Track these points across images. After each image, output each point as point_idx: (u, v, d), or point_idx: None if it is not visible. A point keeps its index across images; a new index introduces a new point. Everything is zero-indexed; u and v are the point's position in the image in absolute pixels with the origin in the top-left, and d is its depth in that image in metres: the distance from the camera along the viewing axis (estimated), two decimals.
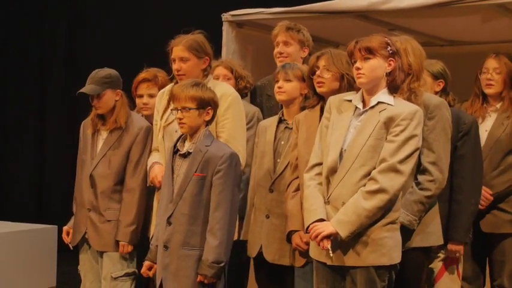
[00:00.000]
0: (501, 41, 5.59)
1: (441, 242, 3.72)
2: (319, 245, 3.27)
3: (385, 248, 3.27)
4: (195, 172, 3.55)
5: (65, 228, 4.50)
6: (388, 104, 3.32)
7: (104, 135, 4.36)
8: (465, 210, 3.94)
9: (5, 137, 8.82)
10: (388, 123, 3.27)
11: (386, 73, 3.33)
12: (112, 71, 4.33)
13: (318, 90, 3.74)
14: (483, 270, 4.46)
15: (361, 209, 3.21)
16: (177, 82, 4.00)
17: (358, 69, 3.33)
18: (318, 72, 3.73)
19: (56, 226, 6.54)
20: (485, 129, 4.29)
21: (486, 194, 4.16)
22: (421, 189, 3.53)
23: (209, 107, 3.58)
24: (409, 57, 3.63)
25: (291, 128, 3.92)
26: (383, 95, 3.34)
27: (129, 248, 4.25)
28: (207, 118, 3.60)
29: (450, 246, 3.96)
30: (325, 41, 5.77)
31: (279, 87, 3.94)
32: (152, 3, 7.78)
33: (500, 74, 4.35)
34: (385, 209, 3.26)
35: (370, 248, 3.26)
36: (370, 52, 3.30)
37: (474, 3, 4.53)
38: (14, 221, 6.98)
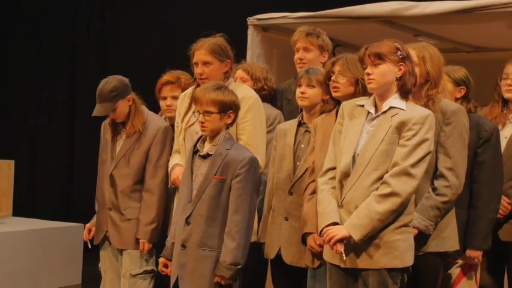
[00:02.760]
0: None
1: (457, 247, 3.72)
2: (332, 248, 3.31)
3: (398, 251, 3.29)
4: (215, 175, 3.58)
5: (87, 226, 4.58)
6: (400, 108, 3.34)
7: (123, 136, 4.41)
8: (484, 217, 3.93)
9: (36, 137, 8.97)
10: (400, 127, 3.30)
11: (396, 78, 3.36)
12: (116, 81, 4.32)
13: (334, 95, 3.78)
14: (501, 280, 4.42)
15: (374, 212, 3.24)
16: (198, 85, 4.03)
17: (368, 74, 3.36)
18: (333, 78, 3.77)
19: (83, 224, 6.59)
20: (504, 136, 4.24)
21: (504, 203, 4.15)
22: (437, 194, 3.55)
23: (230, 111, 3.61)
24: (427, 64, 3.65)
25: (310, 132, 3.96)
26: (395, 100, 3.37)
27: (149, 246, 4.31)
28: (229, 121, 3.63)
29: (468, 253, 3.96)
30: (350, 45, 5.79)
31: (302, 93, 3.97)
32: (180, 6, 7.86)
33: None
34: (398, 213, 3.28)
35: (383, 251, 3.28)
36: (379, 58, 3.34)
37: (499, 10, 4.54)
38: (42, 219, 7.11)
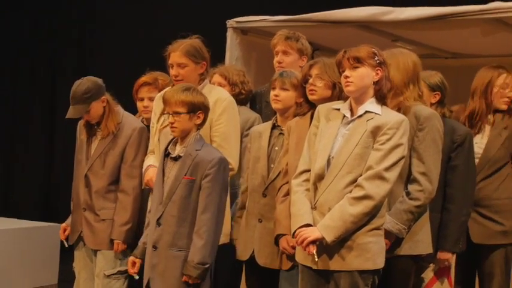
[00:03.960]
0: (503, 55, 5.62)
1: (430, 250, 3.76)
2: (305, 250, 3.34)
3: (370, 253, 3.33)
4: (185, 175, 3.62)
5: (62, 225, 4.59)
6: (375, 113, 3.39)
7: (98, 137, 4.42)
8: (455, 220, 3.97)
9: (13, 136, 8.94)
10: (375, 132, 3.34)
11: (374, 82, 3.40)
12: (90, 83, 4.31)
13: (310, 98, 3.81)
14: (472, 281, 4.47)
15: (347, 214, 3.28)
16: (172, 86, 4.05)
17: (346, 77, 3.41)
18: (310, 81, 3.80)
19: (59, 224, 6.60)
20: (474, 141, 4.24)
21: None
22: (411, 198, 3.59)
23: (199, 111, 3.65)
24: (390, 72, 3.67)
25: (285, 134, 3.99)
26: (370, 105, 3.41)
27: (123, 247, 4.32)
28: (198, 122, 3.66)
29: (439, 255, 3.99)
30: (328, 49, 5.82)
31: (276, 96, 4.00)
32: (160, 7, 7.87)
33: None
34: (371, 215, 3.32)
35: (355, 253, 3.32)
36: (358, 61, 3.38)
37: (472, 17, 4.60)
38: (19, 219, 7.09)
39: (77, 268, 4.51)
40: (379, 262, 3.37)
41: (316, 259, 3.33)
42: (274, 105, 4.03)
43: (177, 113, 3.62)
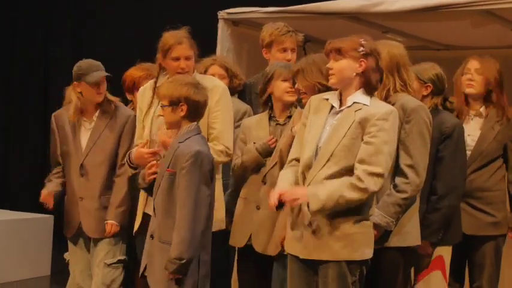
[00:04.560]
0: (494, 47, 5.63)
1: (418, 242, 3.77)
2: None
3: (357, 244, 3.35)
4: (167, 168, 3.62)
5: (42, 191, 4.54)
6: (363, 104, 3.39)
7: (86, 125, 4.43)
8: (436, 211, 3.97)
9: (7, 128, 8.93)
10: (363, 123, 3.35)
11: (357, 73, 3.41)
12: (82, 62, 4.41)
13: (303, 101, 3.80)
14: (463, 271, 4.51)
15: (341, 196, 3.28)
16: (156, 78, 4.09)
17: (329, 69, 3.43)
18: (296, 86, 3.85)
19: (52, 216, 6.63)
20: (467, 133, 4.29)
21: None
22: (398, 191, 3.60)
23: (181, 103, 3.62)
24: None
25: (282, 125, 4.05)
26: (358, 95, 3.42)
27: (117, 228, 4.33)
28: (182, 114, 3.63)
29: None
30: (320, 41, 5.81)
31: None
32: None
33: (481, 75, 4.38)
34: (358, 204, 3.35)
35: (343, 243, 3.34)
36: (339, 53, 3.40)
37: (461, 9, 4.60)
38: (11, 210, 7.10)
39: (72, 260, 4.52)
40: (367, 253, 3.39)
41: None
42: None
43: (163, 106, 3.65)
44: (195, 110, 3.66)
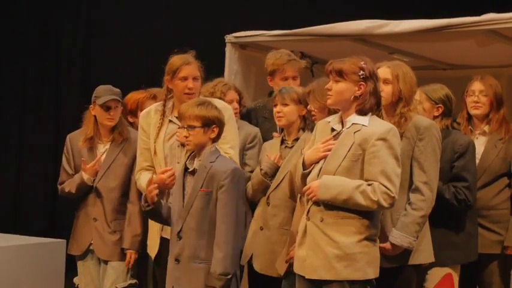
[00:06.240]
0: (500, 66, 5.67)
1: (432, 259, 3.84)
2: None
3: (359, 263, 3.38)
4: (201, 188, 3.68)
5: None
6: (362, 125, 3.43)
7: (100, 148, 4.50)
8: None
9: (19, 151, 8.97)
10: (363, 144, 3.39)
11: (355, 96, 3.44)
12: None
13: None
14: None
15: (350, 197, 3.33)
16: (164, 101, 4.13)
17: (328, 90, 3.47)
18: (308, 107, 3.96)
19: (65, 240, 6.64)
20: None
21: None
22: (414, 209, 3.67)
23: (214, 125, 3.71)
24: (400, 83, 3.78)
25: (290, 147, 4.13)
26: (357, 117, 3.46)
27: (136, 256, 4.39)
28: (213, 136, 3.73)
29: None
30: (327, 62, 5.85)
31: (278, 112, 4.12)
32: (159, 23, 7.90)
33: (486, 96, 4.44)
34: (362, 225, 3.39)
35: (345, 263, 3.37)
36: (339, 75, 3.44)
37: (466, 29, 4.64)
38: (24, 235, 7.11)
39: (82, 283, 4.57)
40: (369, 273, 3.41)
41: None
42: (278, 123, 4.17)
43: (192, 127, 3.68)
44: (222, 132, 3.77)
